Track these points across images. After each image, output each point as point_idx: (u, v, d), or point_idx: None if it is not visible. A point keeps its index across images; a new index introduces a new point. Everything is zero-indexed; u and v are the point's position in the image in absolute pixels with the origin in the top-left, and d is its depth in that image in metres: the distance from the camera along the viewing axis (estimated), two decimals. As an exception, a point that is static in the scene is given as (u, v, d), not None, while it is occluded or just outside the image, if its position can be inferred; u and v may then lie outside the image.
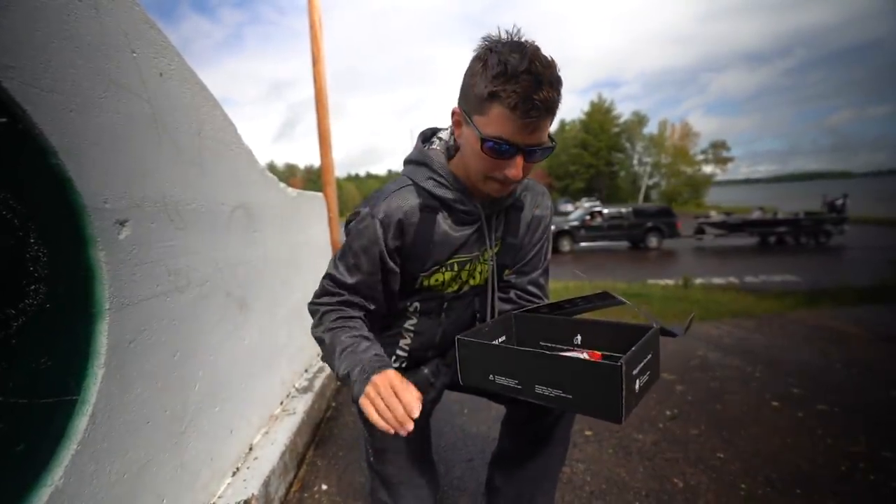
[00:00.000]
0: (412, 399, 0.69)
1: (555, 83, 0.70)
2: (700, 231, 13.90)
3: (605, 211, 13.69)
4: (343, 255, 0.90)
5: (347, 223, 0.91)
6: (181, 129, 1.10)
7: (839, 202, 13.21)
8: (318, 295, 0.92)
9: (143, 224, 0.93)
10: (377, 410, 0.71)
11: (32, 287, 0.68)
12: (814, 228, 12.55)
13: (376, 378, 0.73)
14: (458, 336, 0.69)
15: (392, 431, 0.70)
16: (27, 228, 0.67)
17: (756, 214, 13.70)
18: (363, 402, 0.72)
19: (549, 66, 0.69)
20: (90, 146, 0.79)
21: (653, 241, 13.16)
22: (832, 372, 2.39)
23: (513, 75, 0.67)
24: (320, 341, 0.89)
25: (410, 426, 0.68)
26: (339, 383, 2.33)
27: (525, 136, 0.71)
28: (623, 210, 13.60)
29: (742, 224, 13.32)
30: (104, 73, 0.83)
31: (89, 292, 0.79)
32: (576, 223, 13.52)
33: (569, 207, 40.66)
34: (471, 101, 0.75)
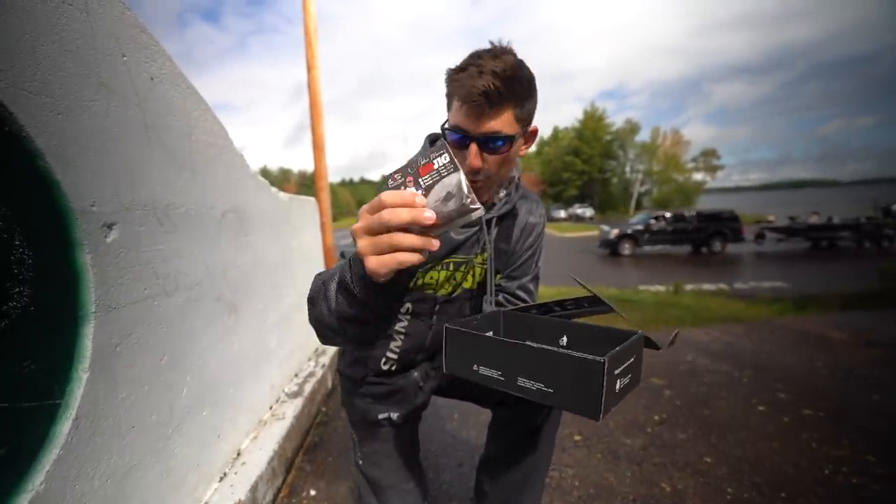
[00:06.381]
0: (403, 196, 0.49)
1: (499, 74, 0.74)
2: (760, 236, 14.07)
3: (668, 214, 13.94)
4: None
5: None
6: (172, 132, 1.10)
7: (895, 207, 13.39)
8: None
9: (132, 227, 0.93)
10: (379, 250, 0.50)
11: (17, 290, 0.67)
12: (875, 233, 12.73)
13: (356, 228, 0.53)
14: (447, 325, 0.70)
15: (418, 251, 0.50)
16: (12, 230, 0.67)
17: (813, 219, 13.85)
18: (370, 263, 0.51)
19: (503, 61, 0.75)
20: (78, 149, 0.79)
21: (717, 246, 13.35)
22: (817, 377, 2.42)
23: (463, 67, 0.76)
24: (310, 301, 0.71)
25: (430, 217, 0.48)
26: (328, 387, 2.32)
27: (473, 124, 0.77)
28: (687, 213, 13.86)
29: (804, 229, 13.47)
30: (94, 76, 0.84)
31: (75, 295, 0.78)
32: (639, 227, 13.71)
33: (561, 214, 41.03)
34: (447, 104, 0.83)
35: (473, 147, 0.79)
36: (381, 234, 0.49)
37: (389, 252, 0.50)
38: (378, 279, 0.54)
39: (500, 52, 0.78)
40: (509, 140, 0.80)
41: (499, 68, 0.74)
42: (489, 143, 0.79)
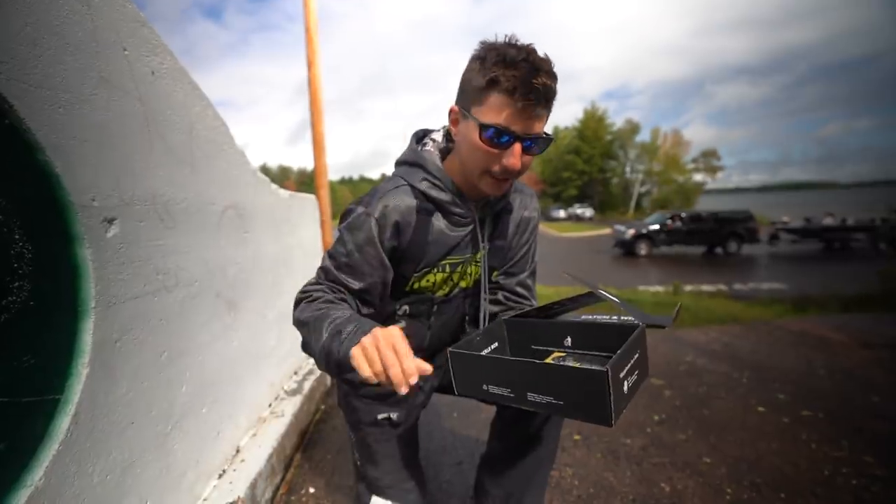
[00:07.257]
0: (412, 365, 0.60)
1: (552, 75, 0.71)
2: (775, 237, 14.01)
3: (685, 214, 13.90)
4: (335, 253, 0.86)
5: (341, 221, 0.88)
6: (172, 127, 1.10)
7: None
8: (307, 283, 0.88)
9: (132, 222, 0.92)
10: (369, 361, 0.61)
11: (16, 284, 0.67)
12: (890, 235, 12.66)
13: (378, 330, 0.63)
14: (450, 349, 0.70)
15: (376, 381, 0.62)
16: (12, 224, 0.66)
17: (827, 220, 13.81)
18: (355, 351, 0.62)
19: (546, 60, 0.72)
20: (79, 143, 0.78)
21: (732, 246, 13.27)
22: (816, 378, 2.42)
23: (512, 63, 0.69)
24: (301, 324, 0.80)
25: (405, 389, 0.59)
26: (328, 385, 2.32)
27: (522, 124, 0.72)
28: (703, 214, 13.81)
29: (819, 230, 13.41)
30: (94, 70, 0.83)
31: (75, 290, 0.78)
32: (656, 227, 13.67)
33: (560, 214, 40.99)
34: (469, 95, 0.76)
35: (518, 148, 0.74)
36: (378, 358, 0.61)
37: (372, 365, 0.62)
38: (350, 362, 0.65)
39: (535, 50, 0.72)
40: (550, 141, 0.77)
41: (547, 67, 0.71)
42: (533, 145, 0.75)
